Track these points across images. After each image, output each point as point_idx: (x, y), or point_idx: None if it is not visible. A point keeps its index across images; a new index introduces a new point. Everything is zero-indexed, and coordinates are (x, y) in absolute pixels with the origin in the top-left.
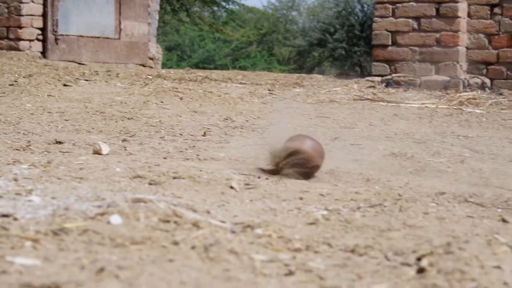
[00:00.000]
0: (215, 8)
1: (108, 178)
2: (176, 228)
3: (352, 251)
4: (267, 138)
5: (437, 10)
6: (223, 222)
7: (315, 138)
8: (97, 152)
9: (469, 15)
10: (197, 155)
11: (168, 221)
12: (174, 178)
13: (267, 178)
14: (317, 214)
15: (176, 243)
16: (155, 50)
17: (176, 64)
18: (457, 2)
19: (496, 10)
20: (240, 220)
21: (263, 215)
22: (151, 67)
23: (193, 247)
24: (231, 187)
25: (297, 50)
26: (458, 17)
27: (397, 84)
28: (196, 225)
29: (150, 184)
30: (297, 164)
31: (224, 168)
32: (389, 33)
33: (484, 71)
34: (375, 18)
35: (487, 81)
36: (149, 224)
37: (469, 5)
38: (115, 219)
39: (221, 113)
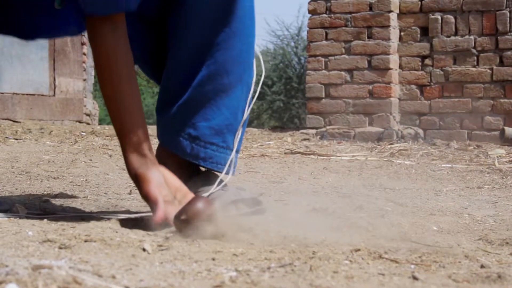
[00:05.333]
0: None
1: (18, 243)
2: None
3: None
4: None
5: (369, 62)
6: (127, 287)
7: None
8: None
9: (400, 67)
10: (118, 215)
11: None
12: (86, 241)
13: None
14: (225, 276)
15: None
16: (92, 106)
17: None
18: (388, 54)
19: (427, 61)
20: (145, 285)
21: (170, 278)
22: (88, 123)
23: None
24: (144, 249)
25: None
26: (390, 68)
27: (332, 136)
28: None
29: (60, 248)
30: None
31: (140, 228)
32: (322, 85)
33: (417, 122)
34: (308, 71)
35: (420, 131)
36: None
37: (400, 56)
38: None
39: None
